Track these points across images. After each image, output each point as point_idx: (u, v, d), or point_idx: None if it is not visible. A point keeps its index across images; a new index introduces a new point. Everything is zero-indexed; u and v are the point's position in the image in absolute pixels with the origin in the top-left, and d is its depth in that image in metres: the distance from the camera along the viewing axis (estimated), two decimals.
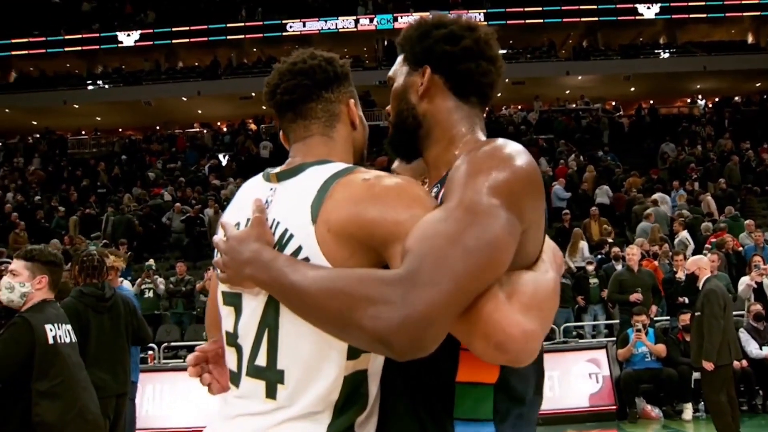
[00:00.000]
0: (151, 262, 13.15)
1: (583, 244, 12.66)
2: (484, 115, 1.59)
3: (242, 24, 28.74)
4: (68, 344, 3.73)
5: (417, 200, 1.33)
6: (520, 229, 1.26)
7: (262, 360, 1.39)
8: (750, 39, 30.19)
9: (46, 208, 18.38)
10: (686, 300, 8.68)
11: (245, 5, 29.15)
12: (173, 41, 29.05)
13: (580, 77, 27.54)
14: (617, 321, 9.83)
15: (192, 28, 28.57)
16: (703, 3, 27.91)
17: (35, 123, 28.86)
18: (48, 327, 3.59)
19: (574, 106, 26.50)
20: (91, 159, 23.88)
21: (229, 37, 28.61)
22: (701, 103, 27.71)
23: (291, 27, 28.43)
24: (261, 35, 28.62)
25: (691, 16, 28.36)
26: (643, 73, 26.78)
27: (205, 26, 28.53)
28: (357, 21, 28.33)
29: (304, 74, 1.55)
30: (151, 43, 28.98)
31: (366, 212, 1.32)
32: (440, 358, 1.25)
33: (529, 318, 1.21)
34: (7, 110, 28.24)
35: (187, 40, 28.91)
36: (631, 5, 28.05)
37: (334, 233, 1.33)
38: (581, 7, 28.17)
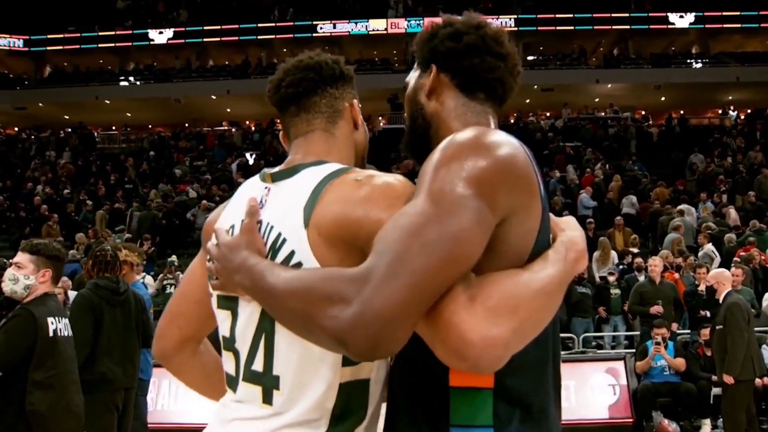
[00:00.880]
0: (174, 258, 13.25)
1: (614, 254, 12.55)
2: (497, 115, 1.56)
3: (273, 24, 28.94)
4: (66, 337, 3.84)
5: (401, 199, 1.30)
6: (492, 220, 1.20)
7: (258, 365, 1.38)
8: None
9: (75, 202, 18.67)
10: (708, 314, 8.54)
11: (278, 5, 29.36)
12: (204, 40, 29.37)
13: (609, 85, 27.29)
14: (638, 333, 9.71)
15: (223, 27, 28.87)
16: (738, 13, 27.49)
17: (67, 117, 29.35)
18: (50, 320, 3.70)
19: (603, 114, 26.24)
20: (120, 154, 24.23)
21: (259, 37, 28.84)
22: (733, 114, 27.27)
23: (321, 28, 28.59)
24: (291, 36, 28.78)
25: (725, 26, 27.96)
26: (675, 82, 26.46)
27: (237, 26, 28.80)
28: (387, 23, 28.37)
29: (310, 69, 1.55)
30: (183, 41, 29.33)
31: (352, 212, 1.31)
32: (432, 361, 1.20)
33: (494, 323, 1.13)
34: (40, 104, 28.81)
35: (218, 39, 29.23)
36: (663, 14, 27.73)
37: (325, 236, 1.31)
38: (613, 14, 27.92)
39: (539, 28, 28.43)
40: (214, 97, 28.04)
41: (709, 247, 12.23)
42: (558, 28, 28.35)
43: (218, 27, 28.90)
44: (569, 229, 1.40)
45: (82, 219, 17.20)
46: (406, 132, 1.60)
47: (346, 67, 1.61)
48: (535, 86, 26.34)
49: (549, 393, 1.37)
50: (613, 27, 28.48)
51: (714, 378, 7.60)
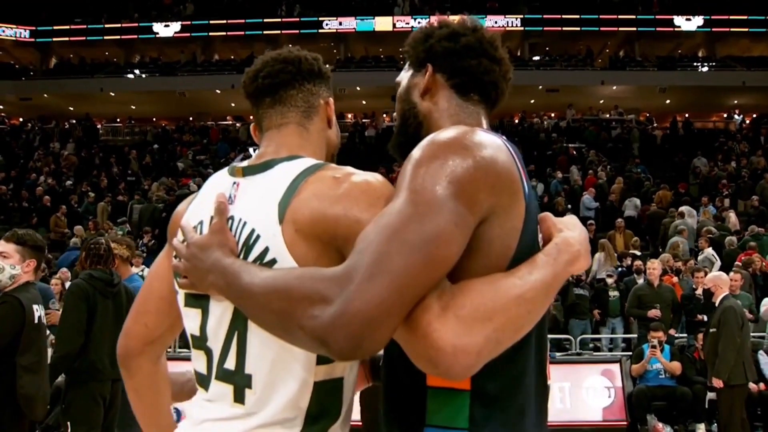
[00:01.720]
0: None
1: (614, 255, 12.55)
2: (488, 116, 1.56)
3: (279, 20, 28.95)
4: (45, 325, 3.99)
5: (381, 199, 1.29)
6: (472, 220, 1.19)
7: (230, 363, 1.36)
8: None
9: (78, 193, 18.73)
10: (705, 318, 8.52)
11: (285, 1, 29.38)
12: (210, 34, 29.43)
13: (614, 87, 27.22)
14: (635, 335, 9.69)
15: (229, 21, 28.90)
16: (745, 17, 27.41)
17: (72, 109, 29.40)
18: (35, 307, 3.81)
19: (607, 116, 26.20)
20: (124, 146, 24.26)
21: (265, 32, 28.85)
22: (738, 118, 27.19)
23: (327, 24, 28.59)
24: (297, 32, 28.78)
25: (732, 29, 27.87)
26: (680, 85, 26.39)
27: (243, 20, 28.82)
28: (393, 21, 28.35)
29: (289, 62, 1.53)
30: (189, 35, 29.37)
31: (330, 210, 1.29)
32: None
33: (466, 332, 1.12)
34: (45, 95, 28.84)
35: (224, 33, 29.28)
36: (670, 16, 27.66)
37: (302, 233, 1.29)
38: (620, 16, 27.86)
39: (545, 28, 28.40)
40: (218, 92, 28.03)
41: (709, 251, 12.19)
42: (564, 28, 28.32)
43: (224, 21, 28.95)
44: (568, 229, 1.36)
45: (83, 210, 17.26)
46: (396, 131, 1.59)
47: (325, 66, 1.60)
48: (540, 87, 26.31)
49: (530, 394, 1.34)
50: (620, 29, 28.43)
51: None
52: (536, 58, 29.54)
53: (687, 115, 27.48)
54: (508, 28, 27.57)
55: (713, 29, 27.87)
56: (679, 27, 27.74)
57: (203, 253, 1.35)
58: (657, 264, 9.52)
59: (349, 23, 28.59)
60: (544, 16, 28.08)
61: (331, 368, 1.35)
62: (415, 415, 1.30)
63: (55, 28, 29.87)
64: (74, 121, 27.81)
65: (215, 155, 23.02)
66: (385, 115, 26.41)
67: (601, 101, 28.03)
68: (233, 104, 29.60)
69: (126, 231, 14.45)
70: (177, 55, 30.30)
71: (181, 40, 29.71)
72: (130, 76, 29.44)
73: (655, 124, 26.28)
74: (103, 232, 12.36)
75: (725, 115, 28.35)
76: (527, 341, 1.31)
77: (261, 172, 1.42)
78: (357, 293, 1.09)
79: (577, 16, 27.86)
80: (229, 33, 29.28)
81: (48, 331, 6.30)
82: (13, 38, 29.90)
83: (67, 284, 7.91)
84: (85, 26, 29.71)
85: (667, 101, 27.89)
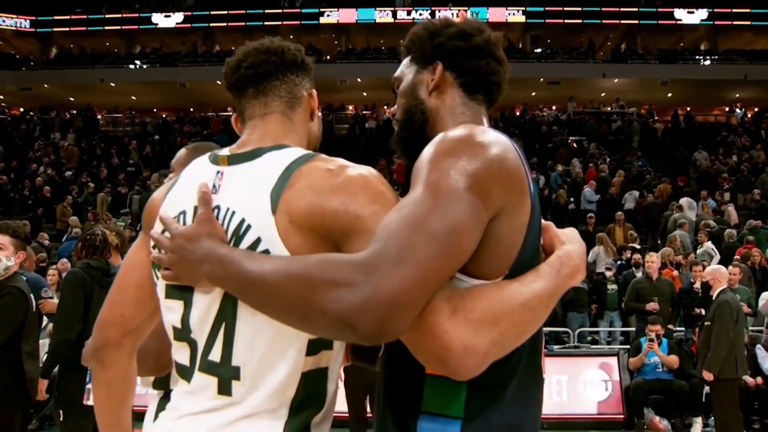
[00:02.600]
0: None
1: (613, 248, 12.58)
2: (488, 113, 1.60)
3: (280, 11, 28.90)
4: (38, 314, 4.28)
5: (380, 196, 1.31)
6: (485, 215, 1.24)
7: (216, 355, 1.35)
8: None
9: (78, 184, 18.75)
10: (703, 311, 8.52)
11: None
12: (211, 25, 29.41)
13: (616, 80, 27.19)
14: (633, 329, 9.70)
15: (230, 12, 28.85)
16: (748, 10, 27.32)
17: (72, 99, 29.40)
18: (31, 296, 4.00)
19: (609, 109, 26.16)
20: (124, 137, 24.26)
21: (266, 23, 28.72)
22: (740, 112, 27.14)
23: (328, 15, 28.52)
24: (298, 23, 28.76)
25: (735, 23, 27.79)
26: (682, 79, 26.36)
27: (243, 11, 28.76)
28: (395, 13, 28.30)
29: (272, 53, 1.52)
30: (189, 25, 29.34)
31: (328, 203, 1.29)
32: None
33: (475, 333, 1.18)
34: (45, 85, 28.82)
35: (225, 24, 29.24)
36: (672, 9, 27.58)
37: (296, 224, 1.29)
38: (622, 9, 27.80)
39: (547, 20, 28.37)
40: (219, 83, 27.80)
41: (708, 244, 12.19)
42: (566, 21, 28.28)
43: (225, 12, 28.91)
44: (569, 242, 1.42)
45: (83, 201, 17.28)
46: (400, 126, 1.60)
47: (308, 58, 1.60)
48: (542, 79, 26.27)
49: (524, 387, 1.38)
50: (622, 21, 28.39)
51: None
52: (538, 50, 29.49)
53: (688, 109, 27.43)
54: (509, 20, 27.51)
55: (716, 22, 27.79)
56: (681, 20, 27.66)
57: (192, 244, 1.33)
58: (656, 257, 9.53)
59: (350, 14, 28.54)
60: (547, 9, 28.08)
61: (318, 358, 1.35)
62: (411, 402, 1.34)
63: (55, 18, 29.84)
64: (75, 112, 27.81)
65: None
66: (386, 107, 26.40)
67: (603, 94, 27.99)
68: None
69: (128, 222, 14.49)
70: (178, 45, 30.28)
71: (182, 31, 29.66)
72: (131, 66, 29.40)
73: (656, 118, 26.20)
74: (102, 223, 12.37)
75: (727, 109, 28.26)
76: None
77: (248, 160, 1.40)
78: (386, 278, 1.13)
79: (579, 9, 27.81)
80: (230, 24, 29.22)
81: (46, 319, 6.35)
82: (14, 28, 29.86)
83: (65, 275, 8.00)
84: (85, 16, 29.68)
85: (669, 94, 27.85)
